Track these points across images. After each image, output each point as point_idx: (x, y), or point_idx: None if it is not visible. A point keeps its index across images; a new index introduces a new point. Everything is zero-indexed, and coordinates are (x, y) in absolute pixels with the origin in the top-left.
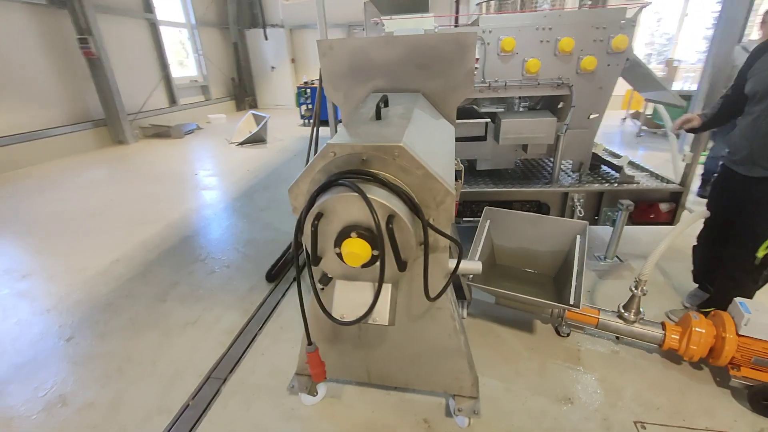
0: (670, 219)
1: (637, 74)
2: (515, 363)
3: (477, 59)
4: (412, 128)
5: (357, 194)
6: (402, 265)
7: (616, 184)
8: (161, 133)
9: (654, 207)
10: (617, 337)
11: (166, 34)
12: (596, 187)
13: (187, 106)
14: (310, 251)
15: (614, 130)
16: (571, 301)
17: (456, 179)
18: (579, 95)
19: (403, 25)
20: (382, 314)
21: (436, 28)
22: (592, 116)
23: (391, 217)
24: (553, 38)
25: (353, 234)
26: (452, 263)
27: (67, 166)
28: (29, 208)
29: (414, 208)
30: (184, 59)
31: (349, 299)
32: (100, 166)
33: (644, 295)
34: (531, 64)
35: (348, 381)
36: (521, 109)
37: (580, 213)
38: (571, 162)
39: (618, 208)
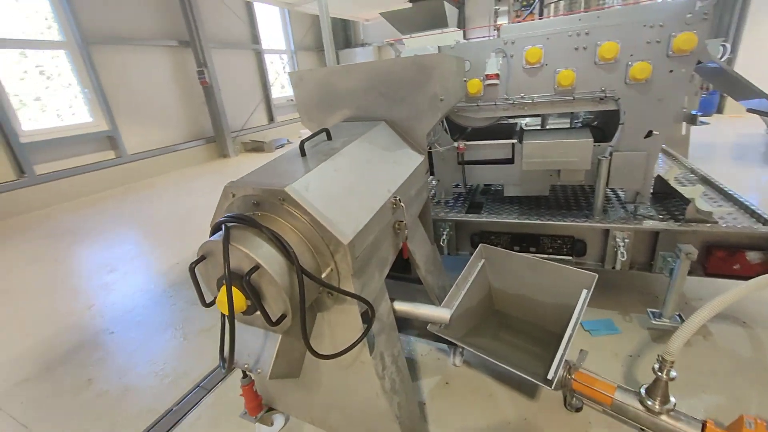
0: (762, 273)
1: (726, 79)
2: None
3: (496, 75)
4: (327, 167)
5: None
6: (268, 319)
7: (679, 223)
8: (257, 147)
9: (738, 256)
10: (641, 429)
11: (269, 59)
12: (649, 224)
13: (283, 123)
14: (197, 293)
15: (757, 143)
16: (549, 376)
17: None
18: (631, 110)
19: (423, 43)
20: (265, 365)
21: (458, 42)
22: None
23: (254, 269)
24: (591, 44)
25: (224, 283)
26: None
27: (182, 176)
28: (150, 209)
29: (289, 258)
30: (285, 82)
31: (246, 343)
32: (206, 176)
33: (672, 380)
34: (563, 77)
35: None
36: (578, 124)
37: (623, 256)
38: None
39: (676, 255)
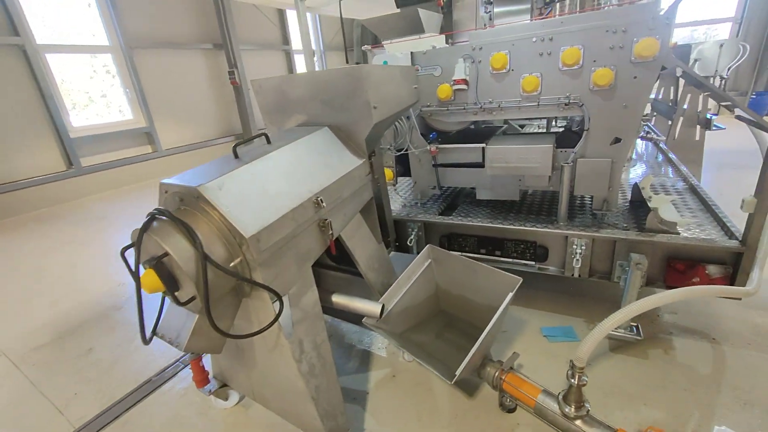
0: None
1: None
2: (427, 430)
3: (463, 80)
4: (248, 168)
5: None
6: (176, 300)
7: (636, 232)
8: None
9: (697, 269)
10: None
11: (299, 59)
12: (606, 233)
13: None
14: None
15: None
16: (456, 372)
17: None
18: (596, 117)
19: (401, 48)
20: (182, 340)
21: (435, 48)
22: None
23: (164, 255)
24: (555, 49)
25: (147, 266)
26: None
27: None
28: None
29: (196, 247)
30: None
31: (174, 320)
32: None
33: (584, 385)
34: (527, 82)
35: None
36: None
37: (577, 263)
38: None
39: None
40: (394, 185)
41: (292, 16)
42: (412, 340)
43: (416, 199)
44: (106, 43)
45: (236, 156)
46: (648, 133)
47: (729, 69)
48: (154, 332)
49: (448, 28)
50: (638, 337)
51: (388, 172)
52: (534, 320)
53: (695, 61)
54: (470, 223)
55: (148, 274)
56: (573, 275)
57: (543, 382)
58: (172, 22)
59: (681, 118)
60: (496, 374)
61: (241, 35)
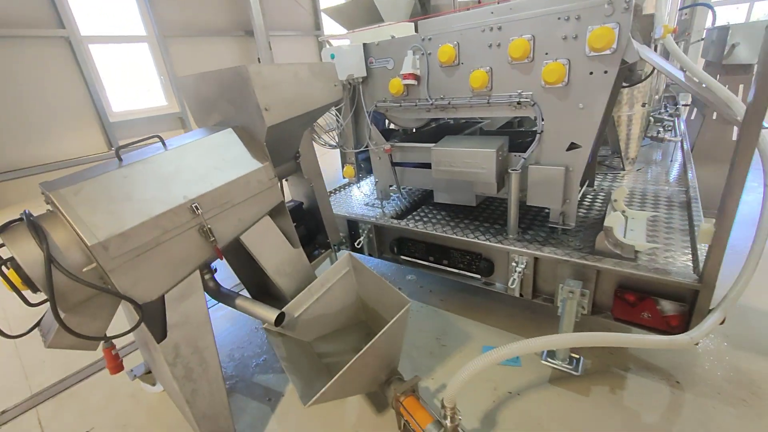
0: (679, 328)
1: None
2: None
3: (411, 75)
4: (118, 173)
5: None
6: (25, 300)
7: (580, 254)
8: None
9: (646, 303)
10: None
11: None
12: (548, 251)
13: None
14: None
15: None
16: (314, 397)
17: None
18: (550, 118)
19: (364, 38)
20: (49, 336)
21: (393, 37)
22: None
23: (11, 258)
24: (505, 40)
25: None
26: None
27: None
28: None
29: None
30: None
31: (50, 315)
32: None
33: (456, 426)
34: (473, 78)
35: None
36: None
37: (512, 283)
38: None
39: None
40: (356, 183)
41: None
42: (323, 350)
43: (378, 197)
44: (142, 33)
45: (120, 159)
46: (659, 133)
47: None
48: (36, 325)
49: (429, 14)
50: (575, 372)
51: (350, 170)
52: (481, 336)
53: (732, 46)
54: (413, 229)
55: (11, 274)
56: (515, 294)
57: (464, 407)
58: (204, 10)
59: (714, 114)
60: (396, 396)
61: (272, 21)
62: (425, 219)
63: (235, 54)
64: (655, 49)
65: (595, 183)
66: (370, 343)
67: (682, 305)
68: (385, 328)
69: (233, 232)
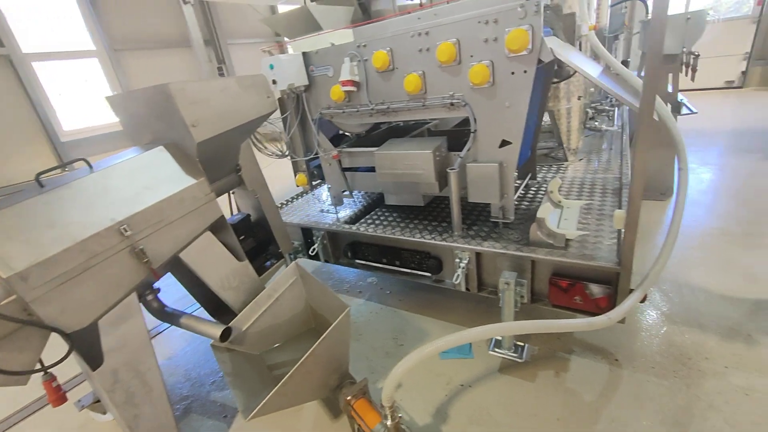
0: (607, 309)
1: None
2: None
3: (350, 81)
4: (37, 200)
5: None
6: None
7: (517, 246)
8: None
9: (577, 288)
10: None
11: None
12: (487, 246)
13: None
14: None
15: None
16: (254, 411)
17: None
18: (482, 117)
19: (304, 46)
20: None
21: (332, 45)
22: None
23: None
24: (433, 45)
25: None
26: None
27: None
28: None
29: None
30: None
31: None
32: None
33: (397, 422)
34: (407, 82)
35: None
36: None
37: (456, 279)
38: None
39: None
40: (311, 191)
41: (284, 7)
42: (276, 361)
43: (333, 203)
44: (91, 48)
45: (41, 185)
46: (598, 123)
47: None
48: None
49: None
50: (519, 360)
51: (302, 178)
52: (438, 333)
53: None
54: (364, 233)
55: None
56: (462, 289)
57: (418, 403)
58: (156, 22)
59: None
60: (346, 399)
61: (231, 29)
62: (377, 222)
63: (190, 64)
64: (580, 46)
65: (540, 175)
66: (308, 352)
67: (607, 288)
68: (323, 337)
69: (170, 250)
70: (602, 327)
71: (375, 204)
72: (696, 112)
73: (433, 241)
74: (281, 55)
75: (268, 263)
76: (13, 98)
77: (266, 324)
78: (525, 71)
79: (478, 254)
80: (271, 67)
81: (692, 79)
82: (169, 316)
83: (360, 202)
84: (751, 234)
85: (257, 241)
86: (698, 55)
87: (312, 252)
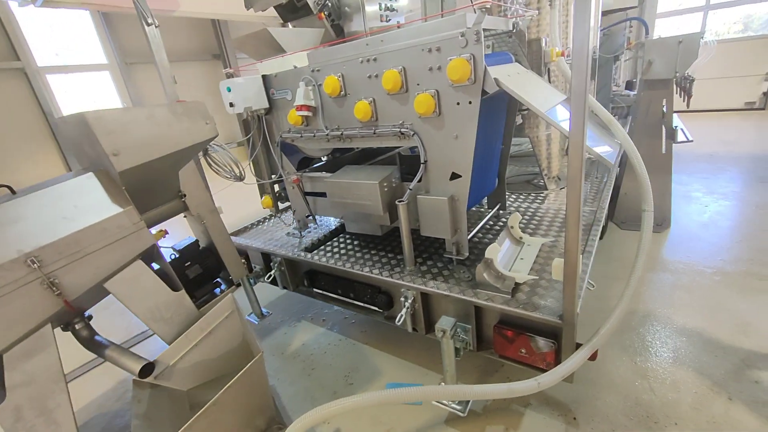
0: (554, 365)
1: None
2: None
3: (304, 106)
4: None
5: None
6: None
7: (459, 288)
8: None
9: (522, 340)
10: None
11: None
12: (431, 286)
13: None
14: None
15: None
16: None
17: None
18: (432, 148)
19: (271, 67)
20: None
21: (296, 67)
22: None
23: None
24: (381, 71)
25: None
26: None
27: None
28: None
29: None
30: None
31: None
32: None
33: None
34: (357, 110)
35: None
36: None
37: (399, 320)
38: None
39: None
40: (278, 214)
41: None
42: (205, 398)
43: (297, 228)
44: (104, 62)
45: None
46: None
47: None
48: None
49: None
50: (461, 414)
51: (267, 200)
52: (391, 372)
53: (649, 62)
54: (317, 262)
55: None
56: (408, 330)
57: None
58: (169, 37)
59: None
60: None
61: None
62: (335, 250)
63: (202, 77)
64: (548, 73)
65: (517, 204)
66: (210, 402)
67: (552, 344)
68: (227, 385)
69: (90, 281)
70: (528, 393)
71: (339, 230)
72: (691, 140)
73: (379, 277)
74: (237, 78)
75: (218, 290)
76: (27, 109)
77: (196, 359)
78: (470, 102)
79: (423, 294)
80: (228, 89)
81: (687, 105)
82: (96, 346)
83: (328, 226)
84: (750, 275)
85: (205, 267)
86: (693, 80)
87: (267, 279)
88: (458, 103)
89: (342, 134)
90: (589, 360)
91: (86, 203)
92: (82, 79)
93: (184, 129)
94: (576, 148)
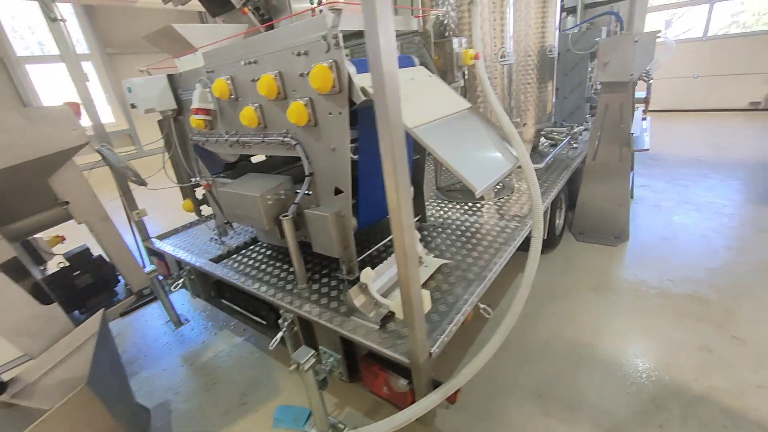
0: (408, 404)
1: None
2: None
3: (200, 109)
4: None
5: None
6: None
7: (328, 314)
8: None
9: (382, 377)
10: None
11: None
12: (306, 309)
13: None
14: None
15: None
16: None
17: None
18: (315, 160)
19: (185, 65)
20: None
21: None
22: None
23: None
24: (260, 76)
25: None
26: None
27: None
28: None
29: None
30: None
31: None
32: None
33: None
34: (243, 115)
35: None
36: None
37: (271, 345)
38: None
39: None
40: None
41: None
42: None
43: (218, 234)
44: (85, 51)
45: None
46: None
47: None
48: None
49: None
50: None
51: (188, 204)
52: (290, 393)
53: (605, 64)
54: (214, 273)
55: None
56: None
57: None
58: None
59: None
60: None
61: None
62: (243, 261)
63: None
64: (463, 76)
65: (451, 212)
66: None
67: (409, 384)
68: (41, 419)
69: None
70: None
71: (257, 239)
72: (648, 149)
73: (263, 295)
74: (136, 78)
75: (116, 299)
76: (5, 99)
77: (66, 375)
78: (340, 113)
79: (299, 318)
80: (129, 90)
81: (644, 111)
82: None
83: (252, 233)
84: (693, 299)
85: (97, 276)
86: (650, 83)
87: (175, 288)
88: (330, 114)
89: (238, 140)
90: (447, 401)
91: None
92: (63, 69)
93: (42, 136)
94: (388, 161)
